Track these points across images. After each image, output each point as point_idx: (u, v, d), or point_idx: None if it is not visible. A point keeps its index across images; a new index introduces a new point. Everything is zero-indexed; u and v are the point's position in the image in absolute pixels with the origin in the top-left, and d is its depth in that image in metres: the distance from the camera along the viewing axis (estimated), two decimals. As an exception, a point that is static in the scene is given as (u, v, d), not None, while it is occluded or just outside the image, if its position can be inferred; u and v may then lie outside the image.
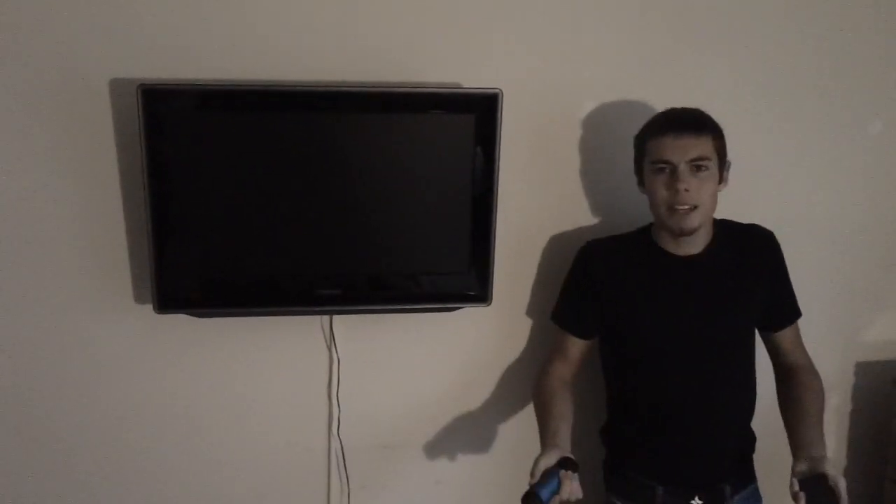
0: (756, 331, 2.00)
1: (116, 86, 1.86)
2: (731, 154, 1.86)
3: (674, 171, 1.78)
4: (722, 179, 1.85)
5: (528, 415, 2.30)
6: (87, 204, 1.94)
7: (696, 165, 1.78)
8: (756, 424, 2.02)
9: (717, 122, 1.84)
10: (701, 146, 1.78)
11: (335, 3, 1.90)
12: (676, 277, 1.91)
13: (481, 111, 1.89)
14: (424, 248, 2.00)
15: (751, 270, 1.92)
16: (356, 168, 1.91)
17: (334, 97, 1.87)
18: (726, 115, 1.84)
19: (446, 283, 2.03)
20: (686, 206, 1.78)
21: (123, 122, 1.88)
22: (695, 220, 1.80)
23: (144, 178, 1.80)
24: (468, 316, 2.12)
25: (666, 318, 1.91)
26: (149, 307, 1.91)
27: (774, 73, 2.17)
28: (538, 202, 2.14)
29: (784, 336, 1.98)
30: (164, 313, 1.92)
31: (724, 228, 1.94)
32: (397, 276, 2.02)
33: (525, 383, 2.27)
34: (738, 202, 1.99)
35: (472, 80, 1.97)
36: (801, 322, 2.00)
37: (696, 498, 1.92)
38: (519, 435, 2.33)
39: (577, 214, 2.18)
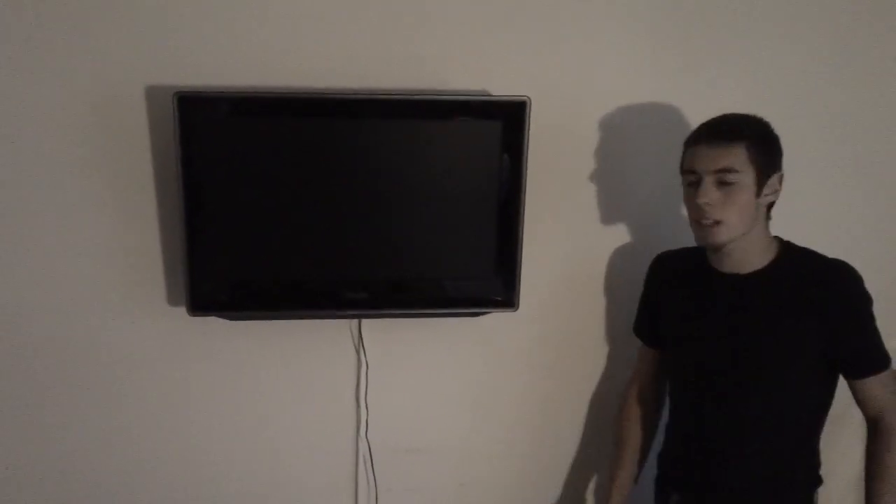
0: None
1: (152, 93, 1.89)
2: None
3: (699, 183, 1.70)
4: (760, 193, 1.69)
5: (551, 419, 2.33)
6: (121, 208, 1.97)
7: (723, 179, 1.67)
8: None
9: (768, 130, 1.72)
10: (730, 156, 1.66)
11: (365, 13, 1.92)
12: (717, 296, 1.82)
13: (509, 118, 1.90)
14: (452, 253, 2.01)
15: (806, 305, 1.71)
16: (385, 174, 1.93)
17: (364, 104, 1.89)
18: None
19: (474, 288, 2.04)
20: (708, 221, 1.70)
21: (158, 128, 1.91)
22: (719, 235, 1.70)
23: (179, 183, 1.83)
24: (495, 321, 2.13)
25: (698, 336, 1.86)
26: (181, 310, 1.95)
27: (799, 77, 2.16)
28: (565, 208, 2.14)
29: (864, 385, 1.75)
30: (196, 316, 1.95)
31: (794, 256, 1.78)
32: (425, 281, 2.03)
33: (550, 388, 2.29)
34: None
35: (500, 87, 1.99)
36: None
37: None
38: (543, 439, 2.35)
39: (604, 220, 2.18)
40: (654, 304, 2.00)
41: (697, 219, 1.73)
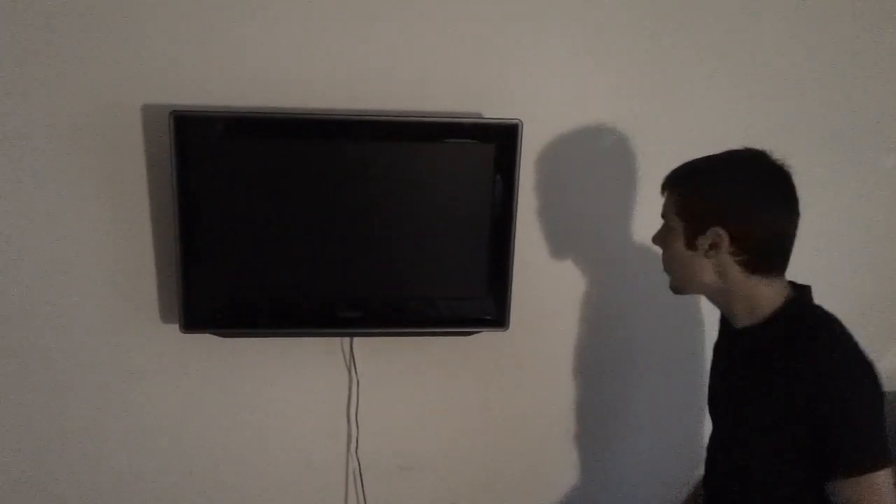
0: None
1: (148, 111, 1.90)
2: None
3: None
4: (692, 245, 1.58)
5: (543, 438, 2.35)
6: (116, 224, 1.97)
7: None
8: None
9: (707, 183, 1.58)
10: (665, 203, 1.64)
11: (361, 35, 1.94)
12: (725, 347, 1.77)
13: (501, 141, 1.92)
14: (444, 272, 2.03)
15: (780, 378, 1.52)
16: (379, 194, 1.95)
17: (359, 125, 1.91)
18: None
19: (465, 307, 2.05)
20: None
21: (154, 146, 1.91)
22: (671, 281, 1.69)
23: (174, 202, 1.84)
24: (486, 340, 2.14)
25: (711, 388, 1.82)
26: (174, 326, 1.96)
27: (788, 110, 2.19)
28: (556, 229, 2.16)
29: (833, 489, 1.47)
30: (189, 332, 1.95)
31: (790, 319, 1.56)
32: (417, 300, 2.04)
33: (541, 407, 2.31)
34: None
35: (493, 109, 2.01)
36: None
37: None
38: (535, 458, 2.36)
39: (596, 242, 2.20)
40: None
41: None
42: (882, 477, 1.43)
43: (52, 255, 1.96)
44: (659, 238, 1.69)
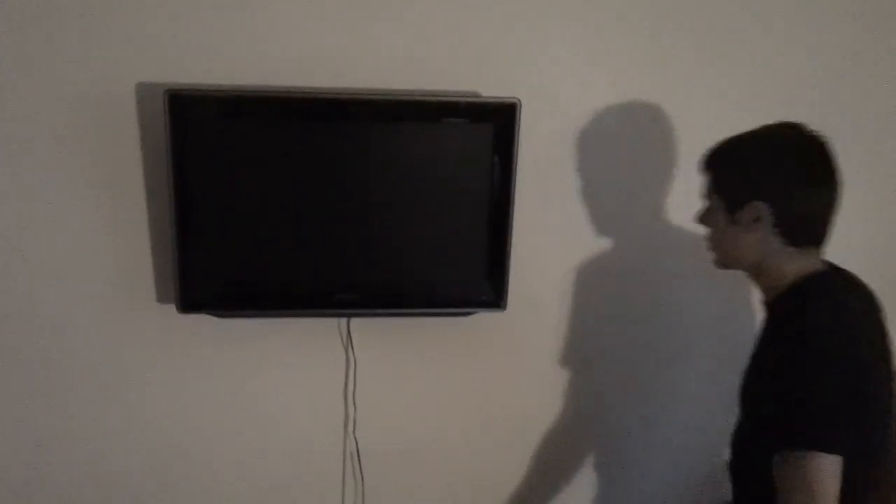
0: None
1: (143, 90, 1.89)
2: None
3: None
4: (734, 221, 1.61)
5: (541, 419, 2.34)
6: (111, 204, 1.97)
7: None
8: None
9: (739, 158, 1.63)
10: (706, 183, 1.68)
11: (357, 13, 1.94)
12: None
13: (500, 120, 1.91)
14: (442, 253, 2.02)
15: (772, 349, 1.59)
16: (376, 174, 1.94)
17: (356, 105, 1.90)
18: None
19: (462, 288, 2.04)
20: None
21: (149, 125, 1.91)
22: (715, 258, 1.71)
23: (170, 181, 1.83)
24: (484, 321, 2.14)
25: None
26: (171, 307, 1.95)
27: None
28: (555, 209, 2.16)
29: (774, 465, 1.46)
30: (186, 313, 1.95)
31: (796, 294, 1.59)
32: (415, 282, 2.03)
33: (539, 387, 2.30)
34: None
35: (491, 89, 2.00)
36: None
37: None
38: (532, 438, 2.35)
39: (594, 222, 2.19)
40: None
41: None
42: (818, 461, 1.39)
43: (44, 236, 1.96)
44: (702, 217, 1.71)
